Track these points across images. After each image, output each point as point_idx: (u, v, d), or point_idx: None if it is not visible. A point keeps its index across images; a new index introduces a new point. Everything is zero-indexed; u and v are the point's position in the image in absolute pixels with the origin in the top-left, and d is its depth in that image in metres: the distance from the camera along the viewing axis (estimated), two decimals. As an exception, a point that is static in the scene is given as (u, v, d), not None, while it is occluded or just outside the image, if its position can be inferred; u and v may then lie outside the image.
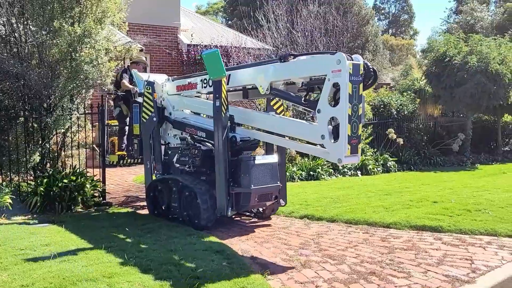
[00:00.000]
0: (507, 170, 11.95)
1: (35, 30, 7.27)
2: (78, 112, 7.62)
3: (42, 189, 6.77)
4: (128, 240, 5.37)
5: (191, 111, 6.91)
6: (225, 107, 5.66)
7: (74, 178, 7.07)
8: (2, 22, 7.27)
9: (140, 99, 7.28)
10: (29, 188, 7.01)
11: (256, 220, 6.53)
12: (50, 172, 7.10)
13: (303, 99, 5.27)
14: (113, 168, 10.08)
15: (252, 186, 5.67)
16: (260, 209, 6.49)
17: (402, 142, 12.37)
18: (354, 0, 26.82)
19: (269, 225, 6.28)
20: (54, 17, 7.08)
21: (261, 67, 5.66)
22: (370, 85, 4.90)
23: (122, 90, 8.45)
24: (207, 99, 6.67)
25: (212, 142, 6.08)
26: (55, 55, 7.17)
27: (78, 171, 7.36)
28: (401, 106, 13.65)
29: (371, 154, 11.69)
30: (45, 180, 6.91)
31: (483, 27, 31.61)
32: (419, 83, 15.15)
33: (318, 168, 10.13)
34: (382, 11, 54.52)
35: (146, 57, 10.69)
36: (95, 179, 7.50)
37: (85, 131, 7.86)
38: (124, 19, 8.09)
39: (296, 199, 7.53)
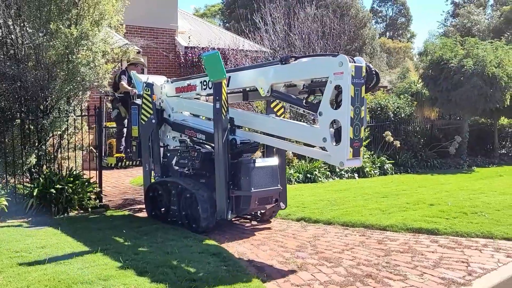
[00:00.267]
0: (503, 173, 11.98)
1: (31, 32, 7.26)
2: (74, 114, 7.60)
3: (38, 191, 6.75)
4: (124, 242, 5.35)
5: (190, 113, 6.87)
6: (225, 109, 5.62)
7: (70, 180, 7.05)
8: (-1, 24, 7.26)
9: (139, 101, 7.24)
10: (25, 190, 6.99)
11: (255, 223, 6.50)
12: (47, 174, 7.07)
13: (304, 101, 5.24)
14: (109, 170, 10.08)
15: (253, 189, 5.61)
16: (259, 212, 6.44)
17: (399, 145, 12.39)
18: (352, 3, 26.92)
19: (268, 228, 6.26)
20: (51, 19, 7.07)
21: (262, 69, 5.60)
22: (372, 87, 4.87)
23: (120, 92, 8.42)
24: (207, 101, 6.62)
25: (212, 144, 6.05)
26: (52, 57, 7.16)
27: (74, 173, 7.34)
28: (398, 109, 13.68)
29: (368, 156, 11.71)
30: (41, 182, 6.88)
31: (479, 30, 31.75)
32: (416, 86, 15.19)
33: (315, 170, 10.14)
34: (380, 14, 54.68)
35: (143, 59, 10.66)
36: (91, 181, 7.48)
37: (82, 133, 7.84)
38: (121, 21, 8.09)
39: (293, 201, 7.53)
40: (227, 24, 32.43)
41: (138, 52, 11.09)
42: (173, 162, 6.74)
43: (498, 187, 9.40)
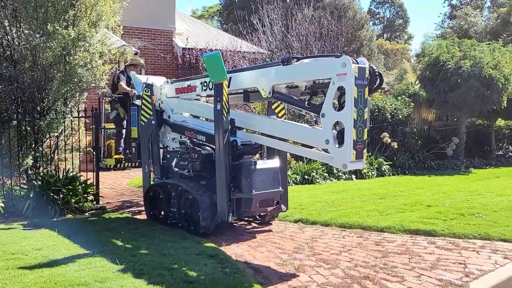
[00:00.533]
0: (500, 174, 12.01)
1: (28, 33, 7.24)
2: (71, 116, 7.58)
3: (34, 193, 6.72)
4: (121, 244, 5.33)
5: (190, 114, 6.80)
6: (226, 110, 5.55)
7: (67, 182, 7.02)
8: (-5, 25, 7.24)
9: (138, 102, 7.18)
10: (21, 192, 6.95)
11: (255, 225, 6.44)
12: (43, 176, 7.05)
13: (306, 103, 5.17)
14: (107, 172, 10.05)
15: (254, 191, 5.54)
16: (258, 215, 6.40)
17: (396, 146, 12.40)
18: (349, 5, 26.97)
19: (266, 230, 6.22)
20: (48, 20, 7.06)
21: (263, 70, 5.54)
22: (376, 89, 4.82)
23: (119, 93, 8.37)
24: (207, 102, 6.56)
25: (212, 146, 6.00)
26: (49, 58, 7.14)
27: (71, 175, 7.31)
28: (395, 110, 13.70)
29: (366, 158, 11.69)
30: (38, 184, 6.86)
31: (476, 32, 31.87)
32: (413, 87, 15.22)
33: (313, 172, 10.14)
34: (377, 16, 54.81)
35: (142, 60, 10.65)
36: (88, 183, 7.45)
37: (79, 134, 7.81)
38: (118, 23, 8.07)
39: (291, 203, 7.48)
40: (224, 26, 32.45)
41: (136, 54, 11.07)
42: (173, 163, 6.67)
43: (495, 188, 9.41)
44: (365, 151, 4.67)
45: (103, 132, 8.53)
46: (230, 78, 5.75)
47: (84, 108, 7.89)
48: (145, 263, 4.59)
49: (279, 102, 5.98)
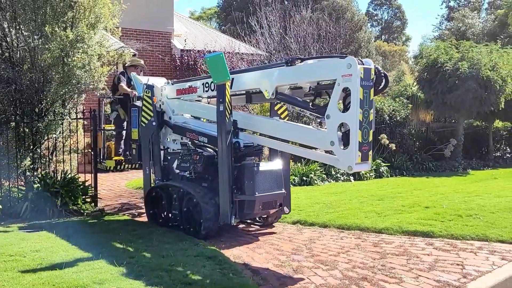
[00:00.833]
0: (498, 176, 12.04)
1: (27, 35, 7.25)
2: (70, 117, 7.58)
3: (32, 194, 6.71)
4: (120, 246, 5.33)
5: (191, 116, 6.74)
6: (229, 111, 5.48)
7: (65, 183, 7.02)
8: (-6, 27, 7.24)
9: (139, 103, 7.15)
10: (19, 194, 6.95)
11: (257, 227, 6.40)
12: (41, 177, 7.04)
13: (310, 104, 5.10)
14: (105, 174, 10.04)
15: (257, 193, 5.48)
16: (259, 217, 6.35)
17: (394, 148, 12.42)
18: (347, 6, 27.05)
19: (265, 231, 6.20)
20: (46, 22, 7.06)
21: (266, 71, 5.48)
22: (381, 90, 4.74)
23: (119, 94, 8.34)
24: (208, 103, 6.52)
25: (214, 147, 5.96)
26: (47, 60, 7.14)
27: (69, 176, 7.31)
28: (393, 112, 13.73)
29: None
30: (36, 185, 6.85)
31: (474, 33, 31.97)
32: (411, 89, 15.25)
33: (311, 173, 10.14)
34: (375, 18, 54.91)
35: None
36: (87, 184, 7.45)
37: (77, 136, 7.81)
38: (117, 24, 8.08)
39: (289, 204, 7.52)
40: (223, 27, 32.48)
41: (134, 55, 11.07)
42: (174, 165, 6.60)
43: (493, 189, 9.43)
44: (370, 152, 4.60)
45: (102, 134, 8.51)
46: (233, 79, 5.66)
47: (82, 110, 7.88)
48: (144, 265, 4.59)
49: (282, 103, 5.91)
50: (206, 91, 6.17)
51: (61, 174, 7.35)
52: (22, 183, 7.28)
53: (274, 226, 6.40)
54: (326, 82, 4.94)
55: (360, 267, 4.79)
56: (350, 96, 4.47)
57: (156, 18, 15.45)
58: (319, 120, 5.06)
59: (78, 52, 7.19)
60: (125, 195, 8.80)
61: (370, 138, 4.57)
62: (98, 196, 7.76)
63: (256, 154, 6.09)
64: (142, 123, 6.85)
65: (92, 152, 7.95)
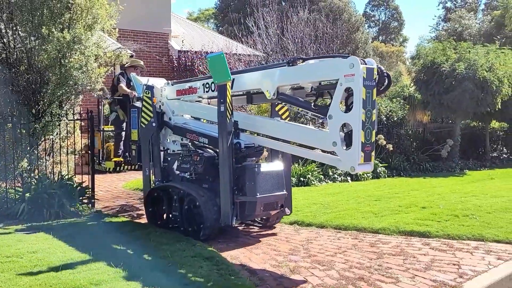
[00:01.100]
0: (495, 176, 12.08)
1: (24, 36, 7.25)
2: (67, 118, 7.57)
3: (29, 195, 6.71)
4: (117, 246, 5.32)
5: (192, 116, 6.69)
6: (230, 112, 5.43)
7: (62, 184, 7.01)
8: (-10, 28, 7.24)
9: (138, 104, 7.12)
10: (16, 195, 6.94)
11: (254, 228, 6.38)
12: (38, 178, 7.03)
13: (312, 104, 5.06)
14: (102, 175, 10.03)
15: (258, 194, 5.43)
16: (260, 218, 6.32)
17: (391, 148, 12.45)
18: (344, 7, 27.13)
19: (266, 233, 6.19)
20: (43, 23, 7.05)
21: (267, 71, 5.42)
22: (384, 90, 4.71)
23: (118, 94, 8.31)
24: (209, 104, 6.49)
25: (215, 148, 5.93)
26: (44, 61, 7.13)
27: (66, 177, 7.30)
28: (390, 112, 13.76)
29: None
30: (33, 186, 6.85)
31: (471, 34, 32.09)
32: (408, 89, 15.28)
33: (308, 174, 10.16)
34: (372, 18, 55.07)
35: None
36: (84, 185, 7.44)
37: (74, 137, 7.80)
38: (114, 25, 8.08)
39: (286, 205, 7.53)
40: (220, 28, 32.51)
41: (131, 56, 11.07)
42: (174, 166, 6.55)
43: (489, 190, 9.47)
44: (373, 153, 4.56)
45: (101, 135, 8.48)
46: (233, 79, 5.61)
47: (79, 111, 7.87)
48: (141, 266, 4.59)
49: (283, 103, 5.86)
50: (207, 91, 6.12)
51: (58, 175, 7.34)
52: (19, 184, 7.27)
53: (275, 227, 6.37)
54: (328, 82, 4.90)
55: (357, 267, 4.80)
56: (352, 96, 4.43)
57: (154, 19, 15.46)
58: (320, 121, 5.00)
59: (75, 53, 7.18)
60: (122, 196, 8.80)
61: (373, 139, 4.52)
62: (96, 197, 7.76)
63: (257, 155, 6.06)
64: (142, 124, 6.80)
65: (89, 153, 7.94)
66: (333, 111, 4.58)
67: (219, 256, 5.04)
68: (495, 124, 16.15)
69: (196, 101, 6.56)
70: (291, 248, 5.50)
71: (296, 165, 10.45)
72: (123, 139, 8.46)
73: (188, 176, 6.18)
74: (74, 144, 7.86)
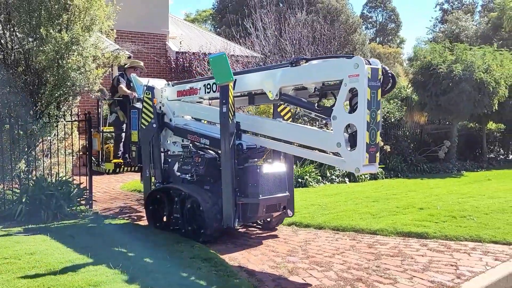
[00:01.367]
0: (492, 177, 12.12)
1: (21, 37, 7.24)
2: (64, 119, 7.56)
3: (27, 197, 6.69)
4: (115, 248, 5.32)
5: (192, 117, 6.65)
6: (232, 113, 5.38)
7: (60, 186, 7.00)
8: (-12, 29, 7.23)
9: (138, 105, 7.08)
10: (14, 196, 6.93)
11: (260, 231, 6.33)
12: (36, 180, 7.02)
13: (316, 105, 4.98)
14: (100, 176, 10.01)
15: (260, 196, 5.38)
16: (259, 221, 6.28)
17: (389, 150, 12.47)
18: (342, 9, 27.19)
19: (264, 234, 6.19)
20: (41, 24, 7.05)
21: (270, 72, 5.36)
22: (389, 90, 4.67)
23: (118, 95, 8.28)
24: (210, 104, 6.46)
25: (216, 149, 5.89)
26: (42, 62, 7.13)
27: (64, 179, 7.29)
28: (388, 114, 13.79)
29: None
30: (30, 188, 6.83)
31: (467, 36, 32.20)
32: (405, 91, 15.33)
33: (306, 175, 10.17)
34: (370, 20, 55.16)
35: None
36: (82, 187, 7.43)
37: (72, 138, 7.79)
38: (112, 27, 8.08)
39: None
40: (218, 29, 32.52)
41: (129, 57, 11.06)
42: (175, 168, 6.50)
43: (486, 191, 9.50)
44: (378, 154, 4.49)
45: (101, 136, 8.45)
46: (235, 80, 5.52)
47: (77, 112, 7.86)
48: (139, 267, 4.59)
49: (285, 104, 5.81)
50: (208, 92, 6.08)
51: (56, 176, 7.33)
52: (17, 185, 7.25)
53: (277, 229, 6.33)
54: (332, 83, 4.86)
55: (355, 268, 4.81)
56: (357, 97, 4.39)
57: (151, 20, 15.46)
58: (324, 121, 4.96)
59: (73, 54, 7.18)
60: (120, 197, 8.79)
61: (378, 140, 4.46)
62: (93, 199, 7.75)
63: (259, 156, 6.01)
64: (142, 125, 6.75)
65: (87, 155, 7.92)
66: (337, 111, 4.54)
67: (218, 258, 5.04)
68: (492, 125, 16.20)
69: (197, 102, 6.52)
70: (289, 249, 5.50)
71: (294, 166, 10.44)
72: (123, 140, 8.43)
73: (189, 178, 6.14)
74: (72, 145, 7.85)
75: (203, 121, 6.57)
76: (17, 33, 7.28)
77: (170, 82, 6.97)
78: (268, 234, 6.20)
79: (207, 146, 6.14)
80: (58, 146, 7.57)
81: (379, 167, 11.72)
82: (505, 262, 5.04)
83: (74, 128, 7.88)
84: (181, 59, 15.47)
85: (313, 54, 12.82)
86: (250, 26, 13.99)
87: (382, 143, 12.28)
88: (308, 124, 9.84)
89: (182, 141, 6.62)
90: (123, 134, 8.38)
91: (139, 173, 8.39)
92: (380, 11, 55.17)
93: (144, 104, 6.70)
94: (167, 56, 15.96)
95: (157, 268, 4.60)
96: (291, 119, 6.21)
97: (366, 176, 11.37)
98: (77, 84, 7.33)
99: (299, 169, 10.33)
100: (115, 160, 8.23)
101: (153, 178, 6.87)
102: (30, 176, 7.23)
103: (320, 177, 10.43)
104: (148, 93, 6.63)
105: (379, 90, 4.44)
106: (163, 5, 16.13)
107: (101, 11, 7.60)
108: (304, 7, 15.17)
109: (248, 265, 4.94)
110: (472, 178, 12.14)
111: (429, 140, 14.88)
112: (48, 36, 6.92)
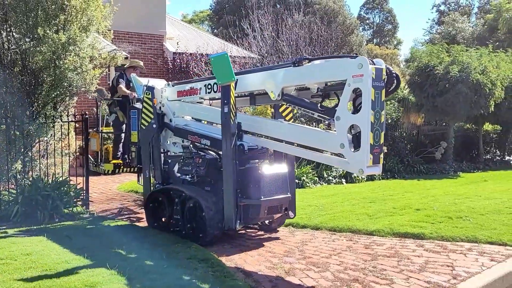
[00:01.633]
0: (488, 178, 12.15)
1: (18, 37, 7.22)
2: (61, 120, 7.54)
3: (23, 198, 6.67)
4: (112, 249, 5.31)
5: (193, 118, 6.61)
6: (234, 113, 5.33)
7: (56, 186, 6.98)
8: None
9: (138, 105, 7.04)
10: (10, 197, 6.90)
11: (261, 232, 6.30)
12: (32, 180, 7.00)
13: (319, 105, 4.95)
14: (97, 177, 10.00)
15: (262, 197, 5.35)
16: (260, 222, 6.24)
17: (386, 150, 12.47)
18: (339, 10, 27.24)
19: (260, 235, 6.19)
20: (38, 24, 7.03)
21: (272, 72, 5.32)
22: (393, 91, 4.65)
23: (118, 96, 8.25)
24: (210, 105, 6.43)
25: (217, 150, 5.86)
26: (39, 62, 7.11)
27: (61, 179, 7.27)
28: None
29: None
30: (26, 188, 6.81)
31: (464, 37, 32.32)
32: (402, 92, 15.35)
33: (303, 176, 10.17)
34: (367, 21, 55.31)
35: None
36: (78, 187, 7.41)
37: (68, 138, 7.78)
38: (109, 27, 8.07)
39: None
40: (215, 30, 32.52)
41: (126, 58, 11.04)
42: (175, 168, 6.45)
43: (482, 192, 9.53)
44: (382, 155, 4.44)
45: (100, 136, 8.42)
46: (237, 80, 5.46)
47: (74, 113, 7.84)
48: (136, 268, 4.58)
49: (286, 105, 5.78)
50: (209, 92, 6.04)
51: (53, 177, 7.31)
52: (13, 186, 7.22)
53: (278, 231, 6.30)
54: (335, 83, 4.82)
55: (352, 269, 4.82)
56: (360, 97, 4.35)
57: (149, 21, 15.45)
58: (327, 122, 4.92)
59: (70, 54, 7.17)
60: (117, 198, 8.78)
61: (382, 140, 4.41)
62: (90, 199, 7.73)
63: (261, 157, 5.94)
64: (142, 125, 6.71)
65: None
66: (341, 112, 4.50)
67: (214, 258, 5.04)
68: (488, 126, 16.26)
69: (197, 102, 6.49)
70: (286, 250, 5.51)
71: (291, 167, 10.45)
72: (122, 141, 8.39)
73: (189, 179, 6.09)
74: (69, 146, 7.83)
75: (203, 121, 6.53)
76: (14, 33, 7.25)
77: (170, 82, 6.93)
78: (264, 235, 6.19)
79: (207, 147, 6.10)
80: (54, 147, 7.55)
81: (375, 168, 11.88)
82: (500, 263, 5.06)
83: (71, 129, 7.86)
84: (178, 60, 15.47)
85: (310, 55, 12.83)
86: (247, 27, 14.01)
87: (385, 149, 12.30)
88: (305, 125, 9.84)
89: (182, 141, 6.58)
90: (123, 135, 8.35)
91: (136, 174, 8.39)
92: (377, 12, 55.32)
93: (144, 104, 6.66)
94: (164, 57, 15.96)
95: (154, 268, 4.59)
96: (292, 120, 6.17)
97: (363, 177, 11.38)
98: (74, 84, 7.31)
99: (296, 170, 10.32)
100: (114, 161, 8.19)
101: (152, 179, 6.83)
102: (26, 176, 7.21)
103: (317, 178, 10.44)
104: (148, 93, 6.60)
105: (383, 91, 4.40)
106: (160, 5, 16.13)
107: (98, 12, 7.58)
108: (301, 8, 15.21)
109: (245, 265, 4.94)
110: (468, 179, 12.17)
111: (425, 141, 14.92)
112: (45, 37, 6.91)
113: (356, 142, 4.43)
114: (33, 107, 7.30)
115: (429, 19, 75.31)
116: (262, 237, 6.10)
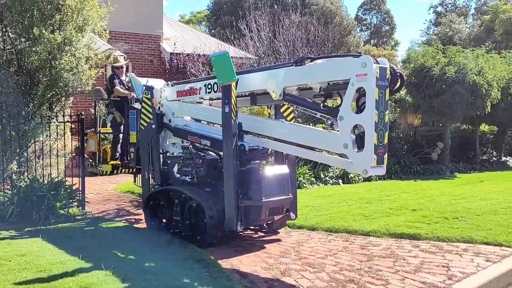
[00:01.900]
0: (484, 179, 12.19)
1: (14, 37, 7.20)
2: (57, 120, 7.52)
3: (19, 198, 6.64)
4: (107, 250, 5.29)
5: (192, 118, 6.54)
6: (235, 113, 5.25)
7: (52, 187, 6.95)
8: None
9: (137, 105, 7.00)
10: (5, 198, 6.87)
11: (262, 234, 6.26)
12: (28, 181, 6.97)
13: (321, 105, 4.88)
14: (93, 177, 9.98)
15: (263, 198, 5.30)
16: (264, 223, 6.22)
17: (383, 151, 12.49)
18: (336, 11, 27.28)
19: (257, 235, 6.17)
20: (33, 24, 7.01)
21: (273, 71, 5.26)
22: (397, 90, 4.56)
23: (114, 96, 8.19)
24: (210, 105, 6.38)
25: (217, 151, 5.81)
26: (34, 62, 7.09)
27: (56, 180, 7.24)
28: (381, 116, 13.82)
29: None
30: (22, 189, 6.78)
31: (461, 38, 32.40)
32: (399, 93, 15.38)
33: (300, 176, 10.16)
34: (364, 22, 55.36)
35: (128, 64, 10.48)
36: (74, 188, 7.38)
37: (64, 139, 7.74)
38: (105, 27, 8.04)
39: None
40: (212, 31, 32.53)
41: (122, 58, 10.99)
42: (175, 169, 6.39)
43: (479, 192, 9.56)
44: (385, 155, 4.38)
45: (98, 137, 8.38)
46: (238, 79, 5.36)
47: (69, 113, 7.81)
48: (131, 269, 4.56)
49: (288, 105, 5.72)
50: (209, 92, 5.97)
51: (48, 177, 7.28)
52: (8, 187, 7.19)
53: (279, 232, 6.27)
54: (338, 82, 4.77)
55: (347, 270, 4.82)
56: (364, 97, 4.29)
57: (145, 21, 15.44)
58: (330, 122, 4.79)
59: (66, 54, 7.14)
60: (113, 199, 8.75)
61: (385, 141, 4.36)
62: (86, 200, 7.69)
63: (262, 158, 5.89)
64: (141, 126, 6.65)
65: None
66: (344, 112, 4.43)
67: (210, 259, 5.03)
68: (484, 127, 16.30)
69: (197, 102, 6.43)
70: (282, 250, 5.50)
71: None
72: (120, 141, 8.35)
73: (189, 180, 6.02)
74: (65, 146, 7.80)
75: (203, 121, 6.48)
76: (9, 33, 7.23)
77: (169, 82, 6.87)
78: (261, 235, 6.19)
79: (207, 147, 6.04)
80: (50, 147, 7.52)
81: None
82: (496, 263, 5.07)
83: (67, 129, 7.83)
84: (175, 60, 15.46)
85: (307, 56, 12.84)
86: (244, 28, 14.01)
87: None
88: (303, 125, 9.83)
89: (182, 142, 6.52)
90: (121, 135, 8.30)
91: (133, 175, 8.36)
92: (374, 13, 55.40)
93: (143, 104, 6.59)
94: (161, 57, 15.94)
95: (150, 269, 4.58)
96: (294, 120, 6.11)
97: (359, 177, 11.39)
98: (70, 85, 7.29)
99: (293, 171, 10.33)
100: (112, 162, 8.15)
101: (151, 180, 6.78)
102: (22, 177, 7.18)
103: (313, 179, 10.44)
104: (147, 93, 6.53)
105: (387, 90, 4.35)
106: (157, 6, 16.12)
107: (94, 12, 7.56)
108: (298, 9, 15.22)
109: (241, 266, 4.93)
110: (464, 179, 12.20)
111: (422, 142, 14.94)
112: (40, 37, 6.89)
113: (359, 142, 4.38)
114: (28, 107, 7.28)
115: (426, 20, 75.56)
116: (259, 238, 6.09)
